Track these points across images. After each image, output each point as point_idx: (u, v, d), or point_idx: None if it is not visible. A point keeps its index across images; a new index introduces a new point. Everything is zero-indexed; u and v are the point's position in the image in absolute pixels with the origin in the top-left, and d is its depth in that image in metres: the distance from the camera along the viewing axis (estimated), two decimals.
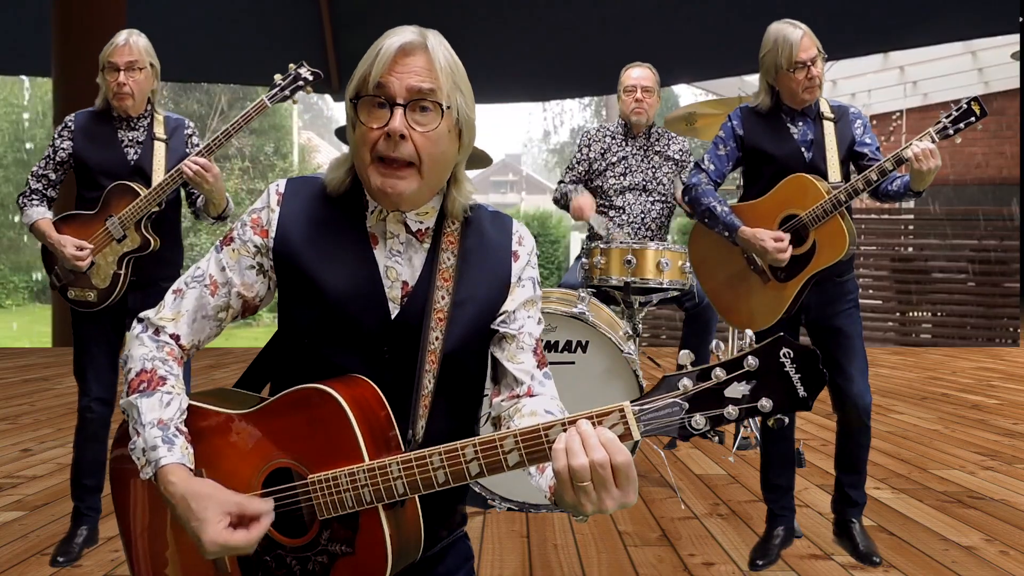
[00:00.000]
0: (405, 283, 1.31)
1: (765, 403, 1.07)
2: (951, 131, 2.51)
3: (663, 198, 3.92)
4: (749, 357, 1.08)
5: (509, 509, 3.10)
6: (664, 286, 3.44)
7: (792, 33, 2.58)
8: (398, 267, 1.31)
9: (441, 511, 1.34)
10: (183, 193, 2.87)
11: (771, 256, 2.62)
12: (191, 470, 1.22)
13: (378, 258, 1.31)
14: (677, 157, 3.96)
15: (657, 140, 3.96)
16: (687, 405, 1.09)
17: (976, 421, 5.11)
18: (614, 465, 1.05)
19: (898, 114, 14.40)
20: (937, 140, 2.49)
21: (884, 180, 2.61)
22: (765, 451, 2.85)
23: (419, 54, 1.24)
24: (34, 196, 2.76)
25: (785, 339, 1.08)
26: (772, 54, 2.62)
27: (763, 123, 2.72)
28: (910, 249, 11.08)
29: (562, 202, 4.02)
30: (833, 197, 2.55)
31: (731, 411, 1.08)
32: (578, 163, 3.99)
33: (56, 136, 2.75)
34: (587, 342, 3.11)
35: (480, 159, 3.73)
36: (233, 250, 1.32)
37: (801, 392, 1.07)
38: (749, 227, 2.67)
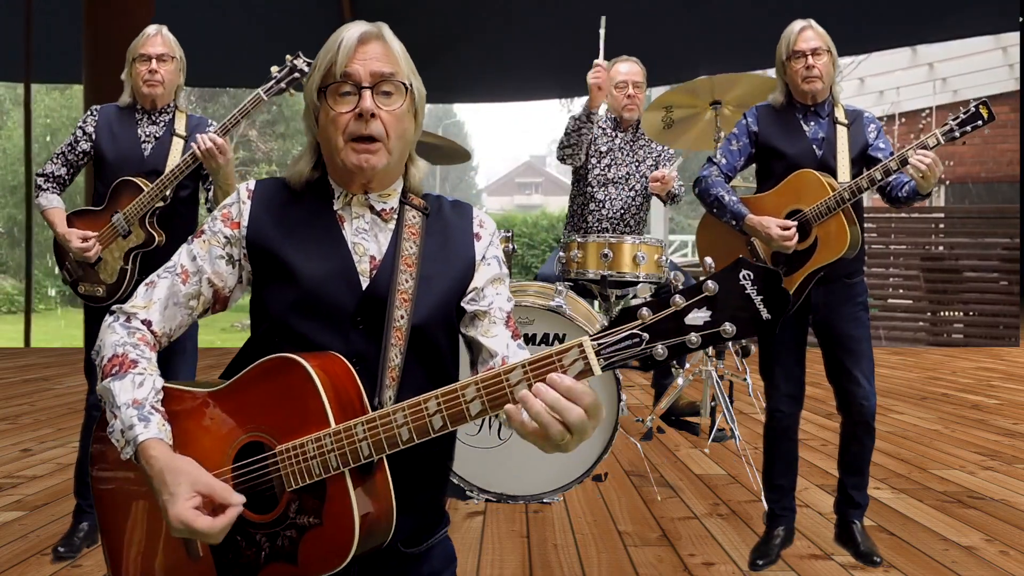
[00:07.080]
0: (372, 257, 1.37)
1: (728, 328, 1.03)
2: (957, 134, 2.49)
3: (643, 192, 3.91)
4: (708, 282, 1.04)
5: (487, 500, 3.08)
6: (640, 280, 3.44)
7: (795, 25, 2.66)
8: (365, 243, 1.38)
9: (416, 488, 1.35)
10: (200, 189, 2.85)
11: (776, 243, 2.62)
12: (170, 446, 1.24)
13: (346, 236, 1.38)
14: (659, 151, 3.93)
15: (643, 134, 3.96)
16: (647, 335, 1.05)
17: (976, 421, 5.06)
18: (584, 408, 1.07)
19: (927, 111, 14.14)
20: (943, 142, 2.48)
21: (891, 183, 2.63)
22: (768, 451, 2.84)
23: (376, 43, 1.35)
24: (51, 180, 2.77)
25: (744, 260, 1.04)
26: (779, 47, 2.69)
27: (777, 120, 2.75)
28: (941, 248, 10.86)
29: (572, 129, 3.62)
30: (837, 194, 2.55)
31: (693, 338, 1.04)
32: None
33: (81, 123, 2.76)
34: (564, 335, 3.10)
35: (460, 154, 3.79)
36: (204, 241, 1.39)
37: (764, 314, 1.03)
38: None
